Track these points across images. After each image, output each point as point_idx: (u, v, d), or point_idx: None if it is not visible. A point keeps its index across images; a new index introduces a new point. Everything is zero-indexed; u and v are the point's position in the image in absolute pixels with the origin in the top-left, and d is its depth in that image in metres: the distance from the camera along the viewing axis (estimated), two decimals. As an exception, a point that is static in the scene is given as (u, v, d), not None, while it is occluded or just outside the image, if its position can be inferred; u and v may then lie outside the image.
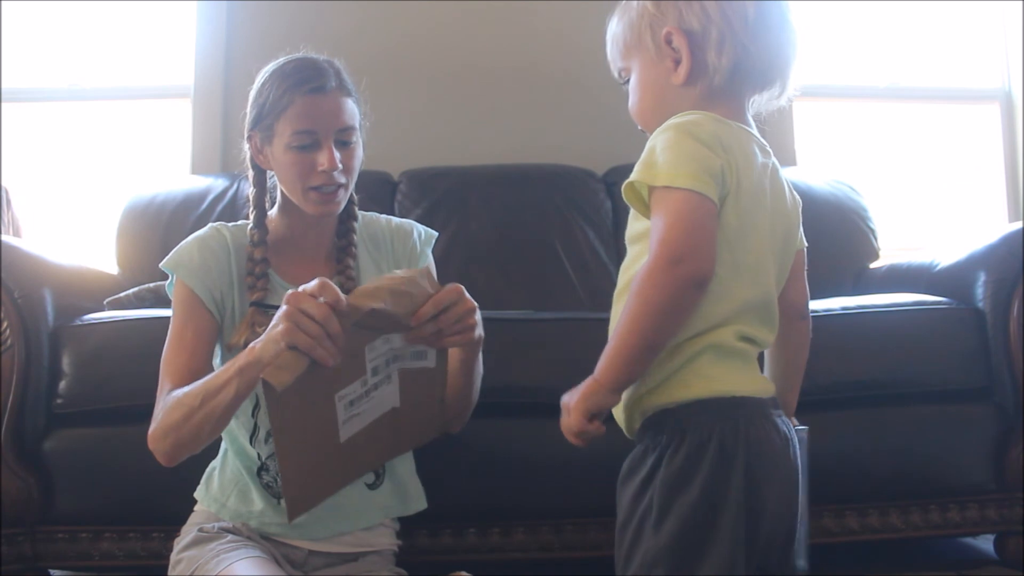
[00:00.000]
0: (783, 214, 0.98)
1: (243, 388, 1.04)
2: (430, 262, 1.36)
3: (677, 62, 0.96)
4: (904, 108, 2.80)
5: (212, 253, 1.24)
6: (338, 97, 1.21)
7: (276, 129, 1.20)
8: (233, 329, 1.21)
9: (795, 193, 1.01)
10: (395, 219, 1.39)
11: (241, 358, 1.04)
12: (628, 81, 1.03)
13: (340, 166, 1.20)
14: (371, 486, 1.25)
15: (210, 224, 1.29)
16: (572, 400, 0.92)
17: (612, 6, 1.05)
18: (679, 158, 0.87)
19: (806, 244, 1.06)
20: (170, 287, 1.25)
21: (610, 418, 0.94)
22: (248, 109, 1.25)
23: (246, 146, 1.27)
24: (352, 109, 1.23)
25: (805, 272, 1.07)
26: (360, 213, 1.36)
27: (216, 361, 1.24)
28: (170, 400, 1.12)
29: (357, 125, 1.24)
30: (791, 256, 1.00)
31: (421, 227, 1.39)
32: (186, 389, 1.11)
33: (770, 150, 0.98)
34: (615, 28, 1.04)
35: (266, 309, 1.21)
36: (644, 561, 0.86)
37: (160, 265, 1.24)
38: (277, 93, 1.20)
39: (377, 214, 1.40)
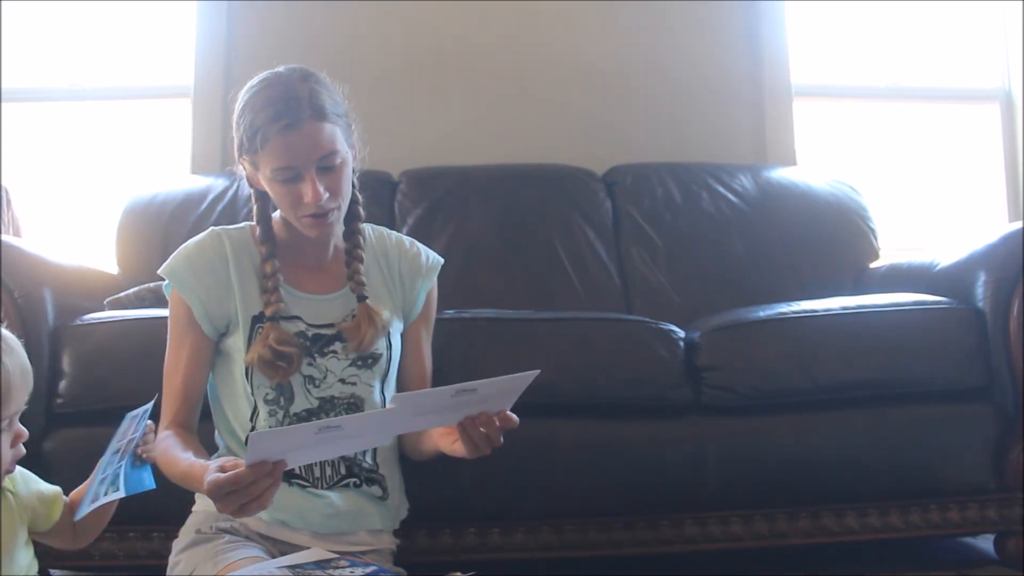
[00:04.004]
0: None
1: None
2: (433, 289, 1.37)
3: None
4: (904, 108, 2.79)
5: (208, 265, 1.24)
6: (313, 126, 1.15)
7: (258, 162, 1.19)
8: (249, 344, 1.21)
9: None
10: (406, 239, 1.38)
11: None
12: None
13: (326, 194, 1.17)
14: (381, 498, 1.27)
15: (210, 228, 1.29)
16: None
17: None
18: None
19: None
20: (167, 288, 1.26)
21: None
22: (233, 133, 1.23)
23: (240, 167, 1.26)
24: (331, 133, 1.17)
25: None
26: (373, 227, 1.35)
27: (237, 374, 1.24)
28: (162, 447, 1.14)
29: (338, 146, 1.18)
30: None
31: (428, 252, 1.38)
32: (174, 455, 1.13)
33: None
34: None
35: (280, 323, 1.21)
36: None
37: (159, 271, 1.25)
38: (251, 130, 1.17)
39: (388, 230, 1.39)
